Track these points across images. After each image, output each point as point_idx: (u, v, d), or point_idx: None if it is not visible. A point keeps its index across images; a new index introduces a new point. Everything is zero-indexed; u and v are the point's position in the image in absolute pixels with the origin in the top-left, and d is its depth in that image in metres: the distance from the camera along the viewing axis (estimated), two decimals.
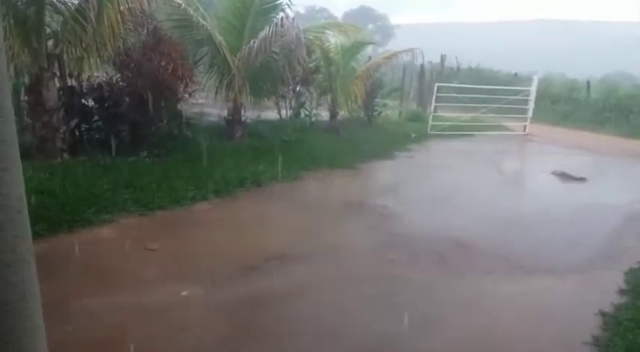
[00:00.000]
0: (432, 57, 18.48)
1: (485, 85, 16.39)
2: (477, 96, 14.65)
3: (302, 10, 54.90)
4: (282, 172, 7.88)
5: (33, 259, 1.40)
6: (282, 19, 8.48)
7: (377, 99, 13.85)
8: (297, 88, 10.69)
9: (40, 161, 6.71)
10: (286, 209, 6.54)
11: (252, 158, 8.13)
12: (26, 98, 7.18)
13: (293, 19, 8.83)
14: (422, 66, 16.87)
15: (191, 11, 8.56)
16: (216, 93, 9.58)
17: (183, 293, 3.97)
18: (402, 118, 15.47)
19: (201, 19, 8.59)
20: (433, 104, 14.31)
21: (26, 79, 7.27)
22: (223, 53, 8.86)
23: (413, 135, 12.75)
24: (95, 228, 5.13)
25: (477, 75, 21.31)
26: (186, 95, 8.63)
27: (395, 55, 12.45)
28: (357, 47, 11.49)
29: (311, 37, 9.89)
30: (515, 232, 6.12)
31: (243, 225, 5.83)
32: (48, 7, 6.68)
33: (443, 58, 17.97)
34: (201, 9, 9.04)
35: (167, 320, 3.55)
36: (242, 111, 9.65)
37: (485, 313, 4.03)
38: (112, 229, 5.19)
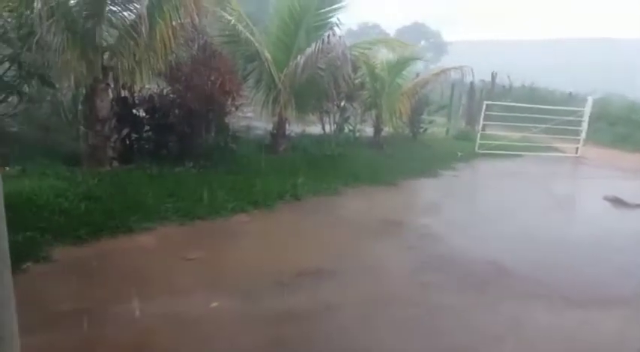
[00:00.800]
0: (484, 74, 18.19)
1: (539, 104, 15.91)
2: (528, 116, 14.24)
3: (354, 27, 55.29)
4: (322, 186, 7.93)
5: (7, 269, 1.41)
6: (328, 36, 8.57)
7: (423, 116, 13.73)
8: (342, 104, 10.75)
9: (91, 168, 7.03)
10: (323, 224, 6.53)
11: (293, 171, 8.19)
12: (81, 108, 7.52)
13: (340, 36, 8.91)
14: (472, 83, 16.61)
15: (241, 27, 8.81)
16: (263, 107, 9.77)
17: (213, 305, 4.03)
18: (449, 136, 15.25)
19: (249, 35, 8.82)
20: (481, 122, 14.02)
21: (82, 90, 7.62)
22: (269, 69, 9.04)
23: (459, 153, 12.52)
24: (136, 236, 5.30)
25: (530, 94, 20.75)
26: (233, 109, 8.85)
27: (443, 72, 12.31)
28: (403, 63, 11.44)
29: (357, 54, 9.94)
30: (560, 259, 5.87)
31: (279, 239, 5.88)
32: (105, 21, 7.02)
33: (494, 75, 17.61)
34: (251, 25, 9.28)
35: (193, 330, 3.61)
36: (286, 125, 9.79)
37: (520, 347, 3.86)
38: (152, 237, 5.34)
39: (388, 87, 11.47)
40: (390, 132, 12.62)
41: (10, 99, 8.32)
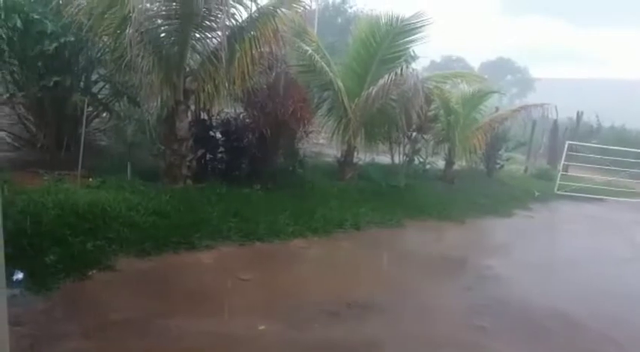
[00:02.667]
0: (572, 113, 17.38)
1: (629, 147, 14.88)
2: (615, 159, 13.35)
3: (438, 59, 54.94)
4: (384, 218, 7.86)
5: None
6: (401, 68, 8.61)
7: (500, 152, 13.28)
8: (413, 135, 10.66)
9: (165, 184, 7.44)
10: (380, 256, 6.45)
11: (356, 200, 8.22)
12: (162, 127, 8.00)
13: (413, 68, 8.92)
14: (555, 121, 15.88)
15: (317, 58, 9.06)
16: (333, 135, 9.91)
17: (260, 328, 4.09)
18: (527, 174, 14.60)
19: (325, 65, 9.05)
20: (562, 162, 13.32)
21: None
22: (341, 98, 9.20)
23: (536, 193, 11.95)
24: (197, 252, 5.53)
25: (619, 135, 19.48)
26: (304, 135, 9.06)
27: (523, 108, 11.89)
28: (479, 97, 11.20)
29: (431, 87, 9.87)
30: (635, 315, 5.40)
31: (333, 267, 5.88)
32: (189, 47, 7.49)
33: (579, 114, 16.74)
34: (327, 56, 9.53)
35: (236, 351, 3.68)
36: (355, 153, 9.85)
37: None
38: (211, 255, 5.54)
39: (463, 120, 11.24)
40: (463, 166, 12.31)
41: (103, 115, 9.06)
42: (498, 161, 13.19)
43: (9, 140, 8.36)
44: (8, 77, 7.86)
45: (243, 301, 4.59)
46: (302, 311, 4.52)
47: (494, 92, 12.22)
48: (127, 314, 3.89)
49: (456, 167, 11.95)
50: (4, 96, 7.47)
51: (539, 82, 62.45)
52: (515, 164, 14.71)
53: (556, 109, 15.66)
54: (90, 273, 4.47)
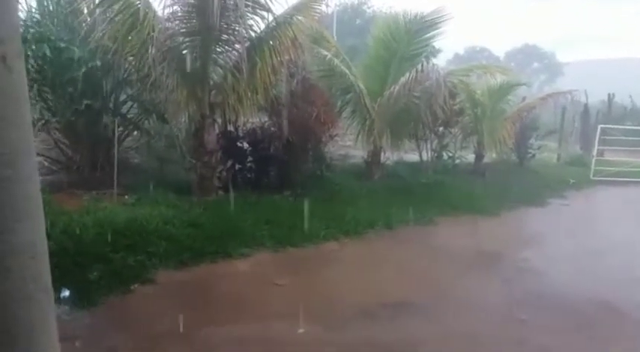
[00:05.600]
0: (604, 96, 16.93)
1: None
2: None
3: (461, 51, 54.27)
4: (415, 216, 7.82)
5: (47, 297, 1.53)
6: (422, 64, 8.59)
7: (531, 141, 13.05)
8: (439, 130, 10.60)
9: (198, 197, 7.61)
10: (414, 255, 6.45)
11: (386, 200, 8.21)
12: (191, 141, 8.19)
13: (434, 63, 8.89)
14: (585, 106, 15.51)
15: (337, 62, 9.13)
16: (358, 136, 9.95)
17: (299, 331, 4.15)
18: (561, 162, 14.31)
19: (345, 69, 9.10)
20: (596, 147, 13.00)
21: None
22: (363, 99, 9.24)
23: (571, 180, 11.70)
24: (233, 261, 5.64)
25: None
26: (329, 138, 9.13)
27: (550, 96, 11.68)
28: (505, 88, 11.05)
29: (454, 81, 9.80)
30: None
31: (367, 268, 5.89)
32: (211, 62, 7.66)
33: (611, 97, 16.30)
34: (347, 59, 9.59)
35: None
36: (382, 153, 9.86)
37: None
38: (247, 263, 5.65)
39: (490, 112, 11.13)
40: (493, 158, 12.16)
41: (135, 133, 9.33)
42: (529, 150, 12.97)
43: (47, 164, 8.69)
44: (42, 104, 8.17)
45: (280, 306, 4.66)
46: (339, 314, 4.56)
47: (520, 84, 12.02)
48: (170, 324, 4.00)
49: (486, 159, 11.81)
50: (40, 123, 7.76)
51: (568, 66, 60.97)
52: (547, 152, 14.43)
53: (586, 93, 15.36)
54: (132, 287, 4.63)
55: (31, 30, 7.74)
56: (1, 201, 1.33)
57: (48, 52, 7.45)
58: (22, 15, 8.33)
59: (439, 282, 5.56)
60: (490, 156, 11.89)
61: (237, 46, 7.58)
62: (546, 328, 4.49)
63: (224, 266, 5.49)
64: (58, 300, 4.16)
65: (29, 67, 7.60)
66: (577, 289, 5.42)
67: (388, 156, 10.44)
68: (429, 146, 11.07)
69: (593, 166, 12.51)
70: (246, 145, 8.76)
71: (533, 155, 13.16)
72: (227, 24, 7.42)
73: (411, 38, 9.83)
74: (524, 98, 13.32)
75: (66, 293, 4.21)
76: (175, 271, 5.15)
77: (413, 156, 11.42)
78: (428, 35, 9.89)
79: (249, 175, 8.78)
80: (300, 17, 7.83)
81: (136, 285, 4.67)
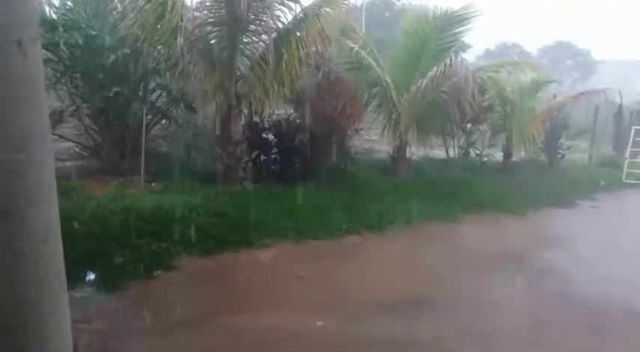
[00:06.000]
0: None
1: None
2: None
3: (492, 47, 53.23)
4: (440, 212, 7.74)
5: (58, 280, 1.53)
6: (450, 59, 8.46)
7: (561, 141, 12.76)
8: (467, 127, 10.44)
9: (223, 186, 7.67)
10: (436, 252, 6.38)
11: (410, 195, 8.11)
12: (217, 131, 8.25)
13: (462, 59, 8.75)
14: (619, 106, 15.08)
15: (364, 54, 9.05)
16: (383, 130, 9.88)
17: (318, 324, 4.15)
18: (592, 163, 13.95)
19: (372, 61, 9.03)
20: (629, 149, 12.62)
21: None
22: (390, 93, 9.16)
23: (602, 182, 11.40)
24: (255, 251, 5.67)
25: None
26: (354, 132, 9.09)
27: (582, 94, 11.38)
28: (536, 86, 10.82)
29: (484, 77, 9.64)
30: None
31: (388, 263, 5.85)
32: (238, 52, 7.69)
33: None
34: (374, 51, 9.50)
35: (295, 347, 3.75)
36: (407, 148, 9.77)
37: None
38: (269, 253, 5.68)
39: (519, 110, 10.91)
40: (522, 157, 11.93)
41: (163, 121, 9.44)
42: (559, 150, 12.68)
43: (77, 150, 8.87)
44: (73, 90, 8.33)
45: (301, 298, 4.66)
46: (358, 307, 4.54)
47: (551, 81, 11.73)
48: (191, 311, 4.06)
49: (514, 158, 11.59)
50: (71, 109, 7.90)
51: (603, 65, 59.21)
52: (578, 152, 14.10)
53: (620, 93, 14.91)
54: (156, 273, 4.69)
55: (64, 17, 7.89)
56: (14, 186, 1.33)
57: (79, 40, 7.59)
58: (55, 2, 8.50)
59: (461, 281, 5.48)
60: (518, 155, 11.67)
61: (264, 36, 7.58)
62: (566, 330, 4.39)
63: (246, 255, 5.53)
64: (84, 284, 4.27)
65: (61, 53, 7.77)
66: (605, 292, 5.28)
67: (414, 152, 10.34)
68: (456, 142, 10.92)
69: (625, 168, 12.16)
70: (271, 137, 8.78)
71: (563, 155, 12.87)
72: (254, 14, 7.43)
73: (440, 33, 9.69)
74: (555, 96, 13.01)
75: (91, 276, 4.30)
76: (199, 259, 5.20)
77: (439, 153, 11.29)
78: (457, 30, 9.73)
79: (273, 167, 8.80)
80: (327, 9, 7.78)
81: (159, 272, 4.73)
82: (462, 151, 10.97)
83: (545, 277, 5.71)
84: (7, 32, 1.30)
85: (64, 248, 4.26)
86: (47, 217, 1.47)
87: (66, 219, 4.86)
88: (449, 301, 4.80)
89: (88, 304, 4.02)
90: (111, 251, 4.74)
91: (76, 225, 4.88)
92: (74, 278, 4.20)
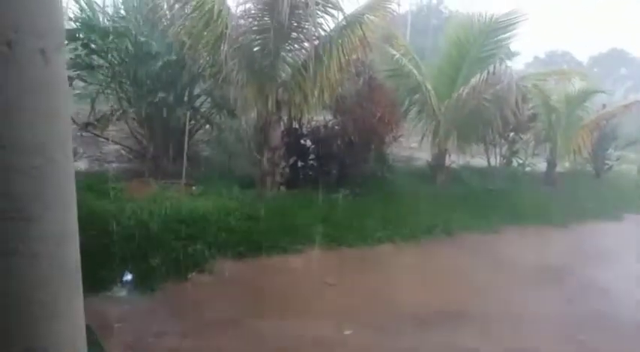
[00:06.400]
0: None
1: None
2: None
3: (542, 55, 51.71)
4: (478, 223, 7.61)
5: (74, 282, 1.53)
6: (494, 66, 8.31)
7: (609, 152, 12.28)
8: (510, 135, 10.20)
9: (260, 191, 7.80)
10: (473, 264, 6.27)
11: (448, 205, 8.03)
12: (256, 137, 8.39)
13: (507, 66, 8.58)
14: None
15: (405, 61, 9.02)
16: (422, 138, 9.80)
17: (346, 332, 4.17)
18: None
19: (412, 68, 8.98)
20: None
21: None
22: (430, 100, 9.08)
23: None
24: (288, 256, 5.75)
25: None
26: (393, 139, 9.05)
27: (634, 103, 10.94)
28: (583, 95, 10.47)
29: (529, 85, 9.41)
30: None
31: (422, 274, 5.80)
32: (280, 59, 7.81)
33: None
34: (416, 58, 9.44)
35: None
36: (447, 156, 9.64)
37: None
38: (300, 259, 5.74)
39: (565, 119, 10.58)
40: (567, 167, 11.56)
41: (206, 126, 9.69)
42: (607, 161, 12.21)
43: (124, 152, 9.22)
44: (122, 95, 8.67)
45: (329, 305, 4.70)
46: (389, 318, 4.53)
47: (599, 91, 11.30)
48: (221, 314, 4.16)
49: (559, 168, 11.24)
50: (118, 113, 8.23)
51: None
52: (627, 163, 13.51)
53: None
54: (190, 276, 4.83)
55: (115, 25, 8.24)
56: (31, 189, 1.39)
57: (129, 46, 7.92)
58: (109, 10, 8.88)
59: (497, 295, 5.38)
60: (563, 166, 11.31)
61: (306, 44, 7.67)
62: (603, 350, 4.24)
63: (279, 260, 5.61)
64: (121, 283, 4.45)
65: (111, 59, 8.13)
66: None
67: (454, 160, 10.19)
68: (497, 151, 10.68)
69: None
70: (309, 143, 8.86)
71: (611, 166, 12.37)
72: (297, 22, 7.53)
73: (484, 39, 9.55)
74: (604, 106, 12.53)
75: (128, 277, 4.47)
76: (232, 262, 5.33)
77: (480, 161, 11.07)
78: (501, 37, 9.57)
79: (310, 172, 8.86)
80: (370, 16, 7.80)
81: (193, 273, 4.87)
82: (504, 160, 10.70)
83: (586, 294, 5.52)
84: (31, 40, 1.35)
85: (104, 246, 4.45)
86: (64, 221, 1.52)
87: (105, 220, 5.13)
88: (483, 316, 4.73)
89: (121, 304, 4.19)
90: (147, 252, 4.92)
91: (114, 225, 5.08)
92: (109, 278, 4.40)
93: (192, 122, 8.85)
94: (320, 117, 9.00)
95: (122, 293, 4.34)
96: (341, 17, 7.71)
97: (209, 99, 9.16)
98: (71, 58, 8.08)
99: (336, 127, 8.73)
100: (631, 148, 14.53)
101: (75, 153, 9.65)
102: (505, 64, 9.10)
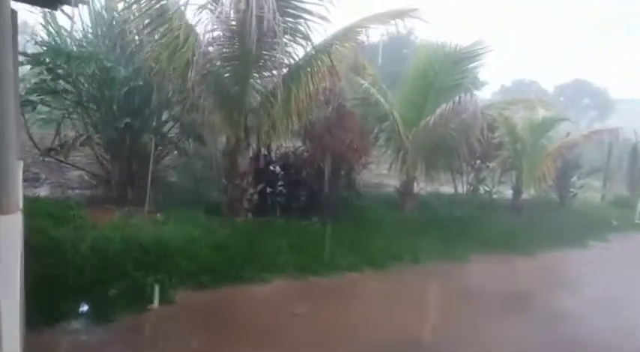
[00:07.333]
0: None
1: None
2: None
3: (509, 84, 53.40)
4: (445, 251, 7.63)
5: (12, 303, 1.49)
6: (459, 96, 8.47)
7: (573, 180, 12.60)
8: (477, 163, 10.38)
9: (227, 218, 7.67)
10: (438, 292, 6.28)
11: (416, 232, 8.05)
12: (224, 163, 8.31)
13: (472, 95, 8.78)
14: (634, 145, 14.92)
15: (373, 90, 9.14)
16: (391, 165, 9.88)
17: None
18: (604, 202, 13.72)
19: (380, 97, 9.10)
20: None
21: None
22: (398, 128, 9.19)
23: (614, 222, 11.18)
24: (252, 286, 5.64)
25: None
26: (362, 167, 9.10)
27: (595, 133, 11.29)
28: (548, 123, 10.77)
29: (493, 114, 9.63)
30: None
31: (389, 302, 5.75)
32: (249, 86, 7.81)
33: None
34: (384, 88, 9.59)
35: None
36: (415, 184, 9.73)
37: None
38: (266, 289, 5.63)
39: (530, 147, 10.84)
40: (533, 195, 11.79)
41: (175, 152, 9.56)
42: (571, 189, 12.51)
43: (87, 178, 9.01)
44: (88, 120, 8.52)
45: (294, 337, 4.59)
46: (354, 348, 4.46)
47: (563, 119, 11.65)
48: (179, 347, 4.02)
49: (525, 196, 11.46)
50: (82, 138, 8.06)
51: (621, 104, 58.80)
52: (590, 191, 13.88)
53: (635, 132, 14.78)
54: (149, 306, 4.67)
55: (81, 49, 8.14)
56: None
57: (96, 70, 7.81)
58: (77, 35, 8.77)
59: (463, 323, 5.35)
60: (529, 193, 11.53)
61: (274, 72, 7.70)
62: None
63: (243, 290, 5.49)
64: (76, 315, 4.27)
65: (78, 84, 8.01)
66: (613, 338, 5.12)
67: (422, 187, 10.29)
68: (465, 179, 10.84)
69: (638, 208, 11.95)
70: (278, 169, 8.83)
71: (575, 194, 12.68)
72: (266, 50, 7.56)
73: (450, 69, 9.77)
74: (568, 134, 12.91)
75: (84, 308, 4.30)
76: (194, 292, 5.18)
77: (448, 189, 11.21)
78: (468, 66, 9.80)
79: (279, 199, 8.80)
80: (338, 46, 7.90)
81: (152, 305, 4.71)
82: (471, 188, 10.87)
83: (555, 321, 5.55)
84: None
85: (61, 276, 4.26)
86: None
87: (63, 248, 4.94)
88: (450, 345, 4.69)
89: (75, 335, 4.02)
90: (106, 281, 4.75)
91: (73, 254, 4.91)
92: (64, 310, 4.22)
93: (160, 148, 8.73)
94: (289, 144, 8.99)
95: (77, 325, 4.16)
96: (309, 47, 7.78)
97: (178, 125, 9.07)
98: (35, 83, 7.96)
99: (306, 154, 8.73)
100: (595, 176, 14.97)
101: (37, 179, 9.45)
102: (471, 92, 9.30)
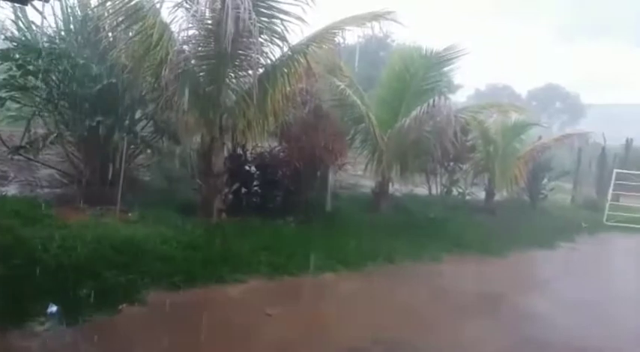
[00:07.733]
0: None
1: None
2: None
3: (482, 87, 54.25)
4: (419, 252, 7.72)
5: None
6: (434, 100, 8.59)
7: (544, 182, 12.88)
8: (450, 165, 10.53)
9: (201, 218, 7.61)
10: (412, 292, 6.32)
11: (391, 233, 8.12)
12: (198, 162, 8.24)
13: (446, 99, 8.90)
14: (603, 149, 15.34)
15: (350, 92, 9.19)
16: (366, 166, 9.95)
17: None
18: (574, 204, 14.08)
19: (356, 99, 9.16)
20: (611, 191, 12.77)
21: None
22: (373, 130, 9.26)
23: (583, 224, 11.47)
24: (226, 286, 5.58)
25: None
26: (338, 167, 9.13)
27: (565, 137, 11.59)
28: (520, 127, 11.00)
29: (467, 117, 9.79)
30: None
31: (362, 303, 5.77)
32: (225, 86, 7.76)
33: (629, 141, 16.09)
34: (360, 90, 9.65)
35: None
36: (389, 185, 9.82)
37: None
38: (239, 289, 5.58)
39: (503, 150, 11.05)
40: (505, 197, 12.02)
41: (148, 151, 9.43)
42: (542, 191, 12.79)
43: (57, 176, 8.82)
44: (59, 117, 8.34)
45: (267, 337, 4.57)
46: (324, 348, 4.47)
47: (534, 124, 11.92)
48: (149, 348, 3.97)
49: (497, 198, 11.67)
50: (53, 136, 7.89)
51: (592, 108, 60.33)
52: (560, 193, 14.22)
53: (604, 136, 15.19)
54: (120, 308, 4.60)
55: (53, 46, 7.97)
56: None
57: (68, 68, 7.66)
58: (49, 31, 8.59)
59: (436, 323, 5.41)
60: (501, 195, 11.75)
61: (250, 71, 7.67)
62: None
63: (216, 291, 5.44)
64: (45, 316, 4.18)
65: (49, 81, 7.84)
66: (580, 337, 5.25)
67: (397, 188, 10.38)
68: (438, 180, 10.99)
69: (606, 211, 12.30)
70: (253, 169, 8.80)
71: (546, 196, 12.97)
72: (242, 50, 7.53)
73: (425, 72, 9.91)
74: (540, 137, 13.21)
75: (53, 308, 4.21)
76: (166, 293, 5.10)
77: (423, 190, 11.34)
78: (442, 70, 9.95)
79: (254, 199, 8.78)
80: (314, 48, 7.91)
81: (124, 305, 4.64)
82: (445, 189, 11.03)
83: (525, 321, 5.67)
84: None
85: (29, 276, 4.18)
86: None
87: (32, 248, 4.84)
88: (422, 344, 4.74)
89: (44, 337, 3.93)
90: (76, 282, 4.65)
91: (43, 253, 4.81)
92: (32, 311, 4.12)
93: (133, 146, 8.60)
94: (265, 144, 8.97)
95: (45, 326, 4.06)
96: (286, 48, 7.78)
97: (151, 124, 8.95)
98: (4, 79, 7.77)
99: (282, 154, 8.73)
100: (565, 179, 15.33)
101: (5, 178, 9.21)
102: (445, 96, 9.44)
